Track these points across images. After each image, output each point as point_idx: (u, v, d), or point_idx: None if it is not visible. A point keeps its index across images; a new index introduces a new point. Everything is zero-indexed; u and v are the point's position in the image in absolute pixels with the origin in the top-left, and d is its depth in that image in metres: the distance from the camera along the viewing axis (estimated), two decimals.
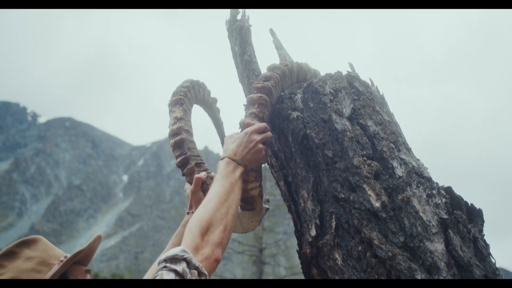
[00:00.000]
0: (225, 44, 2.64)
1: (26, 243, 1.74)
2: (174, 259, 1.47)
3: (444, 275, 1.54)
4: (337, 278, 1.76)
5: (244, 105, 2.04)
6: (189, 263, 1.47)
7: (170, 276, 1.42)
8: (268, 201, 2.11)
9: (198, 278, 1.46)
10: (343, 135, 1.89)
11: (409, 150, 1.91)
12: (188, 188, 2.11)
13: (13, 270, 1.63)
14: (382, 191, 1.74)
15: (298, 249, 2.01)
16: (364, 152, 1.84)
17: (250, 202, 1.99)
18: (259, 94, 1.99)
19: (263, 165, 2.07)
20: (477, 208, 1.76)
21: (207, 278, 1.50)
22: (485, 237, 1.73)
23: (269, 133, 1.95)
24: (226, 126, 2.68)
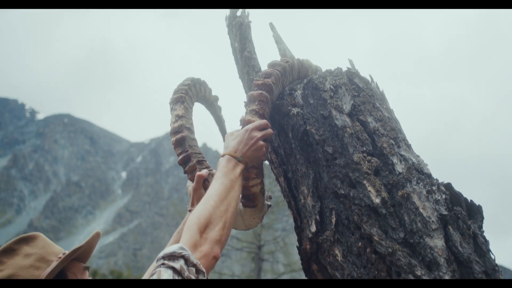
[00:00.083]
0: (225, 41, 2.64)
1: (25, 240, 1.74)
2: (172, 256, 1.47)
3: (444, 271, 1.55)
4: (337, 274, 1.77)
5: (244, 102, 2.04)
6: (187, 260, 1.47)
7: (168, 273, 1.42)
8: (270, 198, 2.11)
9: (196, 275, 1.46)
10: (343, 131, 1.89)
11: (409, 146, 1.91)
12: (190, 185, 2.12)
13: (12, 267, 1.63)
14: (382, 187, 1.75)
15: (298, 245, 2.01)
16: (364, 148, 1.84)
17: (251, 199, 1.99)
18: (260, 91, 1.99)
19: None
20: (477, 204, 1.76)
21: (205, 275, 1.50)
22: (484, 234, 1.73)
23: (269, 130, 1.94)
24: (227, 124, 2.69)
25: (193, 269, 1.47)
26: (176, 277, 1.42)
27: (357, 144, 1.86)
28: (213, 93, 2.53)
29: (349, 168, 1.82)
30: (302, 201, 1.96)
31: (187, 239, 1.57)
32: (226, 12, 2.55)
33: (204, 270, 1.50)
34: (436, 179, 1.80)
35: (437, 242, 1.60)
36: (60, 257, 1.71)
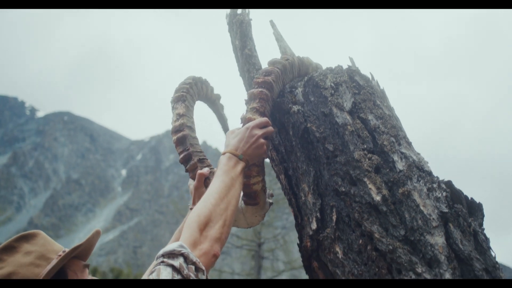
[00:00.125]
0: (225, 38, 2.64)
1: (25, 238, 1.74)
2: (171, 254, 1.48)
3: (445, 268, 1.55)
4: (338, 271, 1.77)
5: (245, 100, 2.04)
6: (186, 258, 1.47)
7: (167, 271, 1.42)
8: (272, 195, 2.11)
9: (195, 273, 1.46)
10: (343, 129, 1.89)
11: (409, 144, 1.91)
12: (192, 184, 2.12)
13: (12, 264, 1.63)
14: (383, 184, 1.75)
15: (298, 242, 2.01)
16: (365, 146, 1.84)
17: (253, 197, 1.99)
18: (260, 89, 1.99)
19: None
20: (477, 202, 1.76)
21: (205, 273, 1.50)
22: (485, 231, 1.73)
23: (270, 128, 1.94)
24: (228, 122, 2.69)
25: (193, 267, 1.47)
26: (176, 275, 1.42)
27: (357, 141, 1.86)
28: (215, 92, 2.53)
29: (349, 165, 1.82)
30: (303, 198, 1.97)
31: (187, 237, 1.57)
32: (226, 10, 2.55)
33: (203, 268, 1.50)
34: (437, 176, 1.80)
35: (438, 240, 1.60)
36: (60, 255, 1.71)
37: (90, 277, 1.80)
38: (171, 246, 1.51)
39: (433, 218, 1.64)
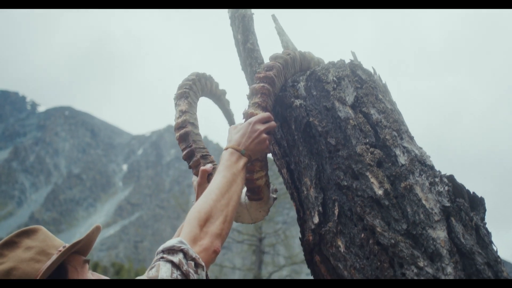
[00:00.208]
0: (227, 32, 2.63)
1: (26, 233, 1.74)
2: (171, 250, 1.48)
3: (447, 262, 1.55)
4: (339, 265, 1.77)
5: (247, 95, 2.04)
6: (185, 254, 1.48)
7: (167, 267, 1.43)
8: (276, 191, 2.11)
9: (194, 269, 1.47)
10: (346, 123, 1.89)
11: (411, 138, 1.91)
12: (195, 180, 2.12)
13: (12, 260, 1.64)
14: (385, 178, 1.75)
15: (300, 236, 2.02)
16: (367, 140, 1.84)
17: (256, 192, 1.99)
18: (262, 84, 1.99)
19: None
20: (479, 196, 1.76)
21: (204, 269, 1.51)
22: (486, 226, 1.74)
23: (273, 123, 1.94)
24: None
25: (192, 263, 1.47)
26: (175, 271, 1.42)
27: (360, 135, 1.86)
28: (220, 87, 2.53)
29: (352, 159, 1.82)
30: (305, 192, 1.97)
31: (187, 233, 1.57)
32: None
33: (203, 264, 1.50)
34: (439, 171, 1.80)
35: (440, 234, 1.61)
36: (60, 251, 1.71)
37: (90, 272, 1.79)
38: (170, 242, 1.51)
39: (435, 212, 1.65)
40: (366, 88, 1.98)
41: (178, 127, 2.16)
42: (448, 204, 1.66)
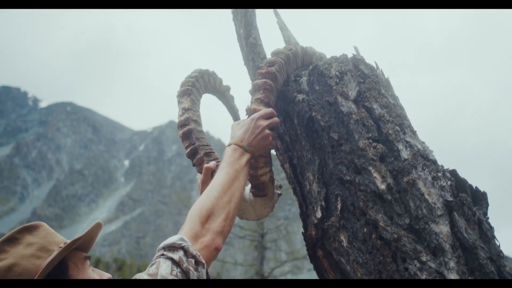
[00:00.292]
0: (229, 27, 2.63)
1: (28, 229, 1.75)
2: (171, 247, 1.48)
3: (449, 257, 1.55)
4: (342, 259, 1.78)
5: (249, 91, 2.04)
6: (186, 252, 1.48)
7: (167, 264, 1.44)
8: (280, 186, 2.11)
9: (194, 266, 1.47)
10: (348, 117, 1.89)
11: (414, 133, 1.91)
12: (199, 178, 2.12)
13: (14, 256, 1.64)
14: (388, 173, 1.75)
15: (303, 231, 2.02)
16: (370, 135, 1.84)
17: (261, 188, 1.99)
18: (264, 80, 1.99)
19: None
20: (482, 191, 1.76)
21: (205, 266, 1.51)
22: (489, 220, 1.73)
23: (276, 119, 1.94)
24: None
25: (192, 261, 1.48)
26: (175, 268, 1.43)
27: (362, 130, 1.86)
28: (224, 83, 2.52)
29: (354, 154, 1.82)
30: (308, 187, 1.97)
31: (188, 230, 1.58)
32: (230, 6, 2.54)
33: (203, 261, 1.51)
34: (441, 165, 1.80)
35: (443, 228, 1.61)
36: (61, 247, 1.71)
37: (91, 268, 1.80)
38: (171, 239, 1.51)
39: (437, 207, 1.65)
40: (368, 82, 1.98)
41: (181, 125, 2.15)
42: (450, 199, 1.66)
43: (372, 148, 1.80)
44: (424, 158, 1.79)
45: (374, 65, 2.09)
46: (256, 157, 1.91)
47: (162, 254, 1.47)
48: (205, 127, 2.26)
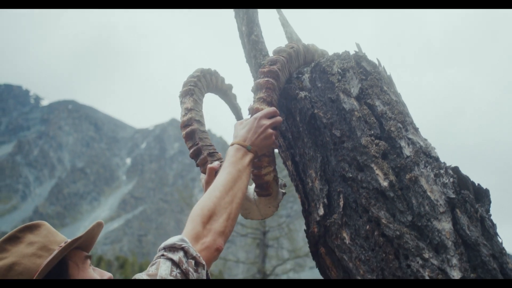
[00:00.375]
0: (231, 25, 2.62)
1: (29, 228, 1.74)
2: (172, 248, 1.48)
3: (452, 254, 1.55)
4: (345, 257, 1.77)
5: (251, 90, 2.04)
6: (186, 253, 1.47)
7: (167, 265, 1.43)
8: (284, 185, 2.10)
9: (194, 267, 1.47)
10: (351, 114, 1.89)
11: (416, 130, 1.90)
12: (203, 178, 2.12)
13: (15, 255, 1.64)
14: (390, 170, 1.74)
15: (305, 228, 2.02)
16: (372, 132, 1.84)
17: (265, 188, 1.99)
18: (266, 78, 1.98)
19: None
20: (484, 188, 1.76)
21: (205, 267, 1.50)
22: (491, 217, 1.73)
23: (279, 118, 1.93)
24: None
25: (192, 262, 1.47)
26: (174, 269, 1.43)
27: (364, 127, 1.85)
28: (226, 82, 2.51)
29: (357, 151, 1.82)
30: (310, 184, 1.97)
31: (190, 230, 1.57)
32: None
33: (204, 262, 1.50)
34: (444, 162, 1.80)
35: (445, 225, 1.60)
36: (61, 246, 1.71)
37: (92, 267, 1.80)
38: (172, 239, 1.51)
39: (440, 204, 1.64)
40: (371, 79, 1.97)
41: (184, 125, 2.15)
42: (453, 196, 1.66)
43: (374, 145, 1.80)
44: (426, 155, 1.79)
45: (376, 62, 2.09)
46: (259, 157, 1.90)
47: (162, 255, 1.47)
48: (207, 125, 2.26)
